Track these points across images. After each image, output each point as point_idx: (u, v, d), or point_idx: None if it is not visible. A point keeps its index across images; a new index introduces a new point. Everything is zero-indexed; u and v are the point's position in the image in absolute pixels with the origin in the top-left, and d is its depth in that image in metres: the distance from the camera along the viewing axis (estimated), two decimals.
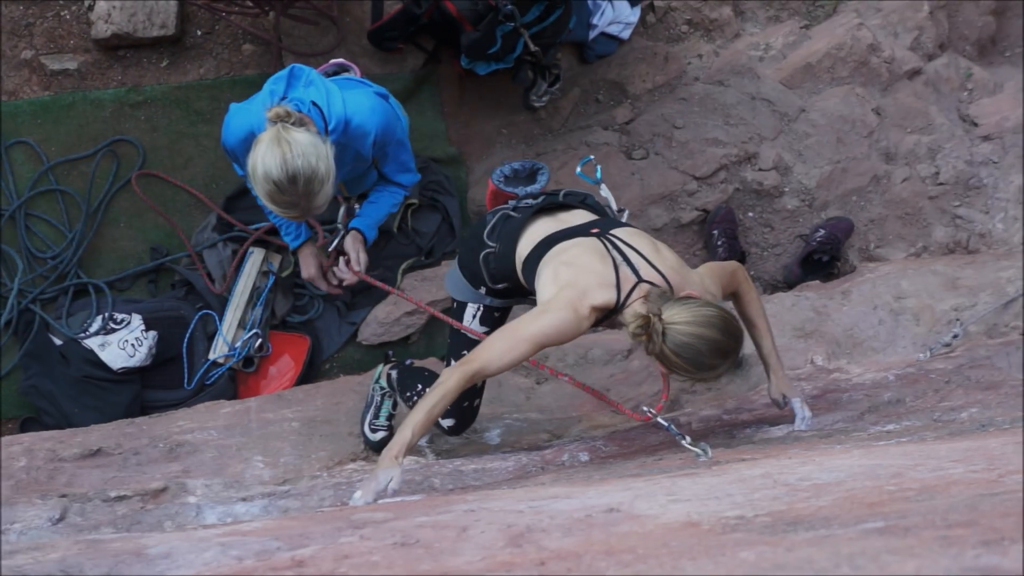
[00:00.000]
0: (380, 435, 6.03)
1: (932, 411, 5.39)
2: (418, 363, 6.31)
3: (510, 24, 7.15)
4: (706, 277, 4.84)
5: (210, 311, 7.27)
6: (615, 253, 4.70)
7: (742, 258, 7.86)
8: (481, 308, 5.42)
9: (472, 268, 5.29)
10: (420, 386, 5.81)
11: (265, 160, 4.88)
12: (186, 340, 7.19)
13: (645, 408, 4.91)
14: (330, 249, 6.07)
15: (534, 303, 5.02)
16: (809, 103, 8.33)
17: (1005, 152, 8.43)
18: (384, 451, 4.38)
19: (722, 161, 7.98)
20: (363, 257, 5.95)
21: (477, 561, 2.37)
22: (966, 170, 8.30)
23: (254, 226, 7.33)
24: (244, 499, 5.27)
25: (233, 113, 5.48)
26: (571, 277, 4.63)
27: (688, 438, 4.70)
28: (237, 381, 7.21)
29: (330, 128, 5.29)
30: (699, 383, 4.52)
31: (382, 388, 6.14)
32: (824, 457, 3.57)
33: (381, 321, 7.45)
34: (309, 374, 7.29)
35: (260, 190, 4.98)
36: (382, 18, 7.68)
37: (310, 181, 4.94)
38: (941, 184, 8.29)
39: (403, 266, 7.54)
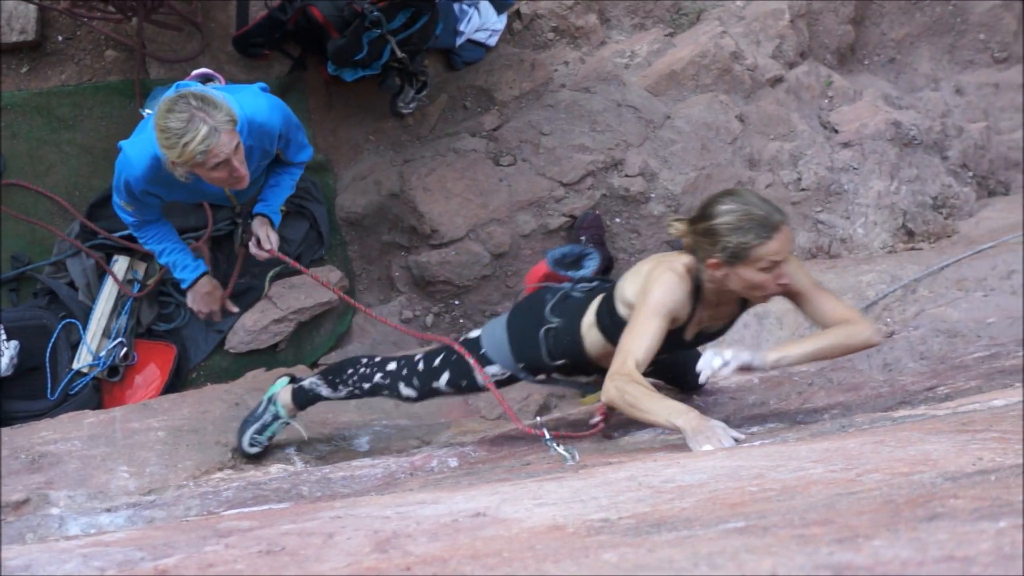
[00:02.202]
0: (256, 450, 5.93)
1: (795, 413, 5.48)
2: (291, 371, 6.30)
3: (376, 30, 7.15)
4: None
5: (74, 320, 7.16)
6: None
7: (610, 264, 7.92)
8: (508, 375, 5.46)
9: (527, 340, 5.32)
10: (365, 359, 5.78)
11: (160, 107, 5.09)
12: (49, 349, 7.07)
13: (540, 419, 5.00)
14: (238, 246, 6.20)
15: (580, 381, 5.33)
16: (674, 110, 8.42)
17: (865, 158, 8.59)
18: (687, 425, 4.34)
19: (589, 167, 8.03)
20: (273, 236, 6.03)
21: (343, 567, 2.37)
22: (827, 176, 8.44)
23: (119, 234, 7.23)
24: (108, 510, 5.20)
25: (129, 147, 5.45)
26: (653, 263, 4.84)
27: (556, 442, 4.72)
28: (102, 391, 7.12)
29: (236, 131, 5.27)
30: (746, 248, 4.43)
31: (275, 410, 5.93)
32: (688, 459, 3.62)
33: (249, 329, 7.40)
34: (176, 383, 7.21)
35: (164, 140, 5.04)
36: (247, 24, 7.62)
37: (202, 98, 5.06)
38: (803, 190, 8.42)
39: (271, 274, 7.50)
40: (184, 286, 6.19)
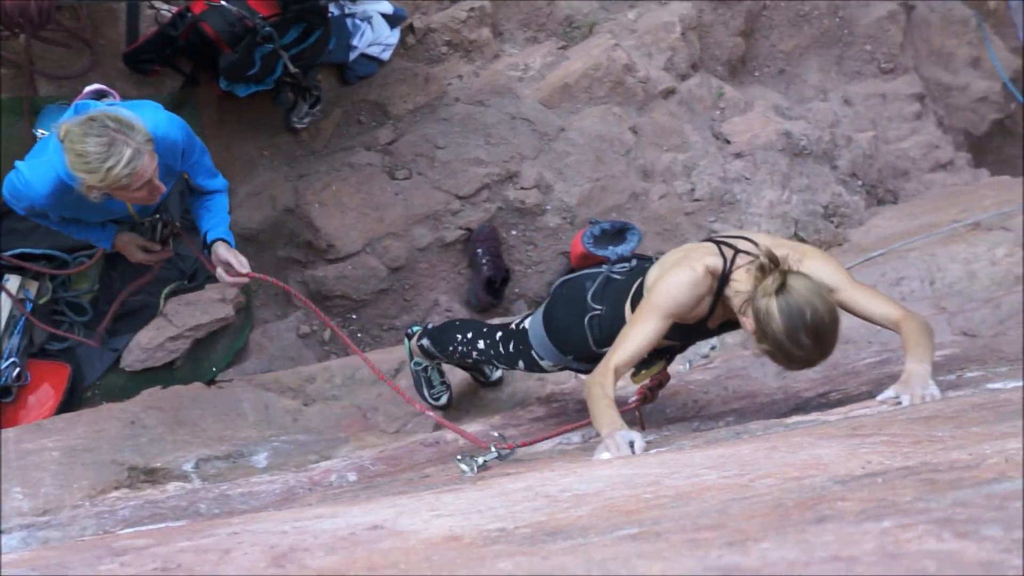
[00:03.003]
0: (444, 399, 6.55)
1: (691, 421, 5.53)
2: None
3: (269, 45, 7.13)
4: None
5: None
6: (712, 239, 4.90)
7: (507, 276, 7.95)
8: (561, 367, 5.55)
9: (571, 331, 5.29)
10: (459, 336, 6.00)
11: (73, 130, 4.94)
12: None
13: (499, 435, 5.13)
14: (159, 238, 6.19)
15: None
16: (568, 122, 8.47)
17: (757, 168, 8.70)
18: (605, 432, 4.33)
19: (484, 180, 8.06)
20: (243, 258, 5.91)
21: None
22: (720, 186, 8.53)
23: (9, 252, 7.12)
24: (1, 532, 5.13)
25: (29, 171, 5.31)
26: (680, 254, 4.81)
27: (460, 456, 4.70)
28: None
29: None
30: (779, 360, 4.48)
31: (418, 364, 6.50)
32: (585, 468, 3.64)
33: (144, 347, 7.33)
34: (70, 403, 7.11)
35: (83, 165, 4.93)
36: (138, 40, 7.55)
37: (118, 119, 4.96)
38: (697, 200, 8.51)
39: (166, 291, 7.43)
40: (109, 250, 6.12)
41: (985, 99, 11.43)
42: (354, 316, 7.95)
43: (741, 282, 4.63)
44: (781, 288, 4.37)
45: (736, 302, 4.64)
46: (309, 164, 8.15)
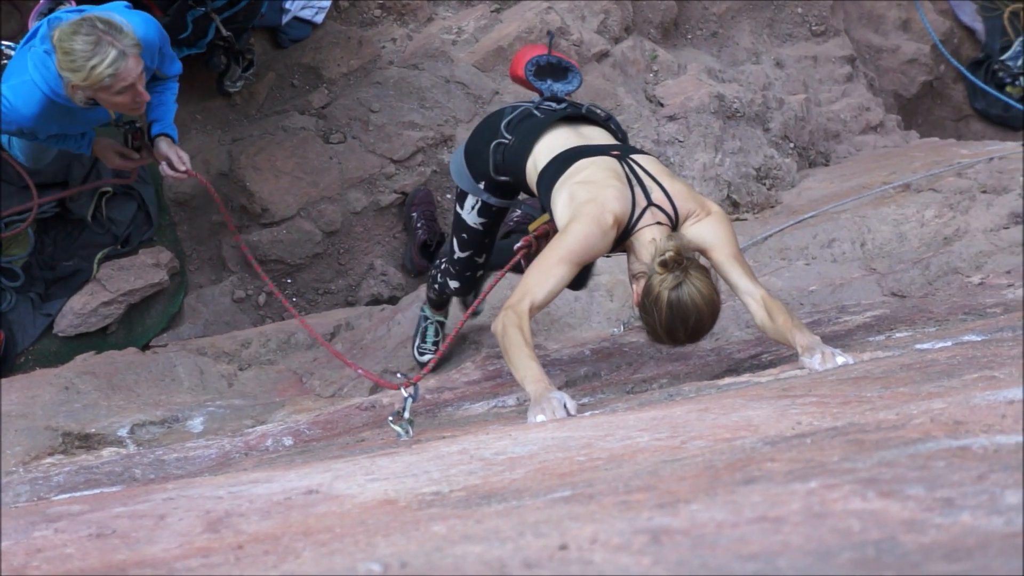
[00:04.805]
0: (427, 357, 6.51)
1: (625, 384, 5.57)
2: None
3: (201, 8, 7.09)
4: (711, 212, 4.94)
5: None
6: (631, 174, 4.85)
7: (441, 240, 7.96)
8: (480, 202, 5.50)
9: (479, 154, 5.31)
10: (435, 272, 6.23)
11: (63, 29, 5.14)
12: None
13: (400, 375, 5.11)
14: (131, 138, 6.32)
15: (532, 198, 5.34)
16: (503, 86, 8.47)
17: (690, 131, 8.73)
18: (533, 394, 4.36)
19: (419, 144, 8.06)
20: (184, 156, 6.12)
21: (174, 548, 2.38)
22: (654, 149, 8.55)
23: None
24: None
25: (10, 93, 5.37)
26: (589, 194, 4.74)
27: (392, 419, 4.72)
28: None
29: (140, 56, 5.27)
30: (649, 334, 4.70)
31: (423, 311, 6.67)
32: (519, 432, 3.66)
33: (78, 312, 7.30)
34: (2, 368, 7.08)
35: (68, 62, 5.13)
36: None
37: (108, 22, 5.15)
38: None
39: (99, 255, 7.39)
40: (88, 155, 6.31)
41: (915, 61, 11.54)
42: (289, 280, 7.94)
43: (643, 245, 4.73)
44: (677, 287, 4.52)
45: (633, 266, 4.79)
46: (243, 128, 8.12)
